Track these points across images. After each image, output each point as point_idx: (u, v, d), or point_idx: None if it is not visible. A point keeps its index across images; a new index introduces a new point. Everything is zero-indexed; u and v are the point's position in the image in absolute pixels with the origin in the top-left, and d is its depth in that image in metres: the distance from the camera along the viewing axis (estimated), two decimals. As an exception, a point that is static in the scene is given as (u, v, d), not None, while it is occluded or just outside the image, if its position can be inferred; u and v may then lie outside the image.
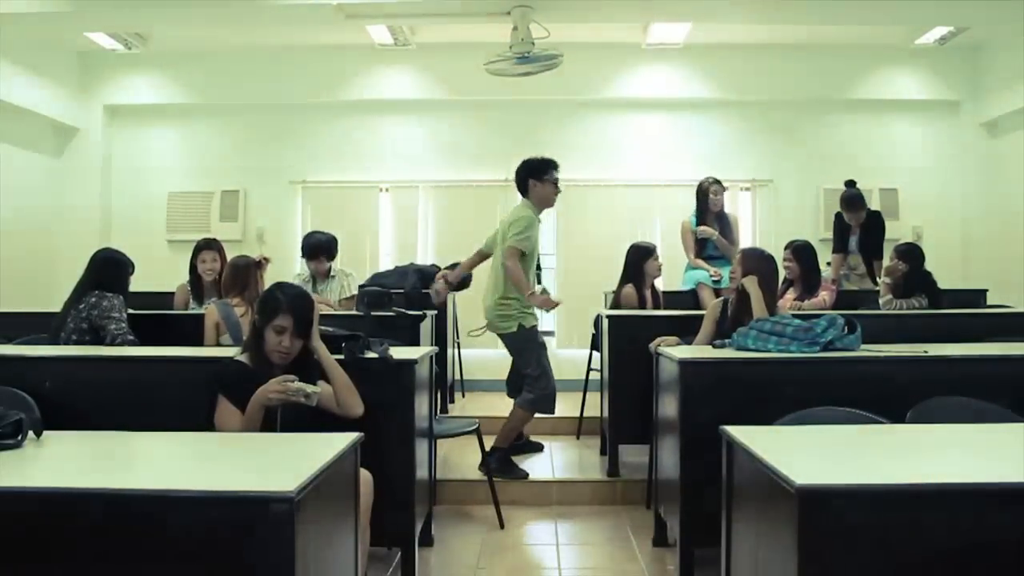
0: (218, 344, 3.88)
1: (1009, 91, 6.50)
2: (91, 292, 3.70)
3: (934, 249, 6.67)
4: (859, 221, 5.66)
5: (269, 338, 2.66)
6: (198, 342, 3.93)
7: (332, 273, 5.08)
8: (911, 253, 4.78)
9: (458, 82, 7.03)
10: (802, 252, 4.76)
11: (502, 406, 6.15)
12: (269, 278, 4.00)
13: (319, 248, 5.01)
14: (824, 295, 4.72)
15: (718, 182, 5.50)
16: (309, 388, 2.53)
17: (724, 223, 5.48)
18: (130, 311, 3.86)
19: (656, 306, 4.93)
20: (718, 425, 2.07)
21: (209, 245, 4.71)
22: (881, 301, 4.73)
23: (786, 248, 4.82)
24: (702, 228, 5.40)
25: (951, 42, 6.69)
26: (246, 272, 4.06)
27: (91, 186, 7.23)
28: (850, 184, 5.73)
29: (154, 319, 4.21)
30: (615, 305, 4.86)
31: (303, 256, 5.13)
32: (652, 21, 6.40)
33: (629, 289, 4.81)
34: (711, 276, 5.27)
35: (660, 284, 5.12)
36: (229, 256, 4.47)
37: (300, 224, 7.29)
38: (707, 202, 5.44)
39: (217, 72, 7.17)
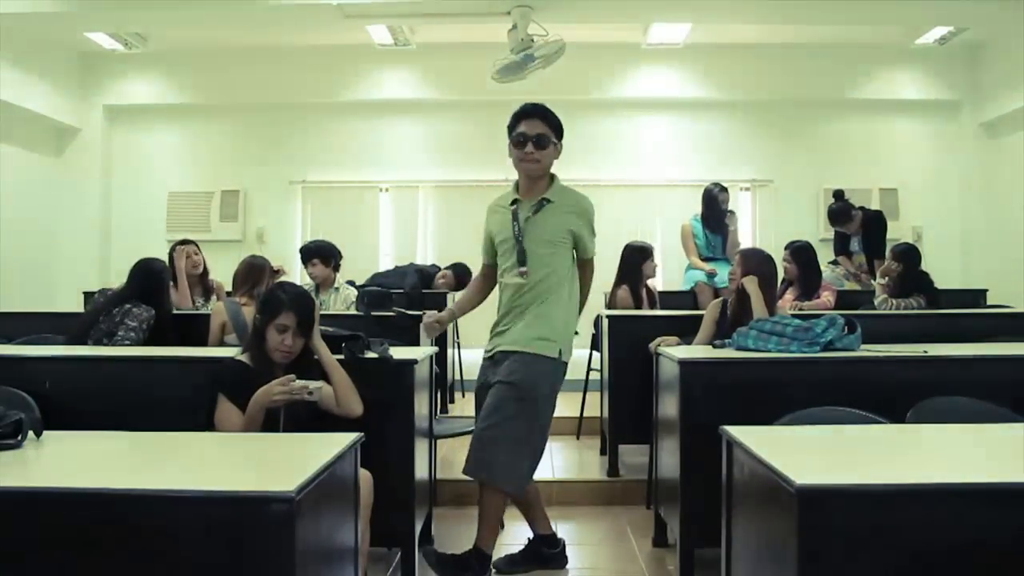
0: (222, 343, 3.89)
1: (1009, 91, 6.50)
2: (129, 301, 3.72)
3: (934, 249, 6.70)
4: (853, 228, 5.70)
5: (271, 337, 2.67)
6: (199, 342, 3.93)
7: (336, 285, 5.01)
8: (906, 254, 4.79)
9: (458, 82, 7.04)
10: (800, 253, 4.77)
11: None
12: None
13: (310, 251, 4.96)
14: (827, 295, 4.73)
15: (724, 189, 5.51)
16: (312, 384, 2.54)
17: (726, 227, 5.52)
18: None
19: (652, 306, 4.93)
20: (718, 425, 2.06)
21: (190, 241, 4.79)
22: (876, 302, 4.74)
23: (785, 249, 4.82)
24: (711, 269, 5.33)
25: (951, 42, 6.69)
26: (260, 271, 4.08)
27: (91, 186, 7.24)
28: (838, 195, 5.76)
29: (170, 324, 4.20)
30: (610, 306, 4.86)
31: (301, 261, 5.11)
32: (652, 21, 6.41)
33: (623, 292, 4.79)
34: (707, 272, 5.29)
35: (659, 284, 5.12)
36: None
37: (300, 224, 7.30)
38: (718, 209, 5.44)
39: (217, 72, 7.17)
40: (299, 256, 5.11)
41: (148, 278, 3.86)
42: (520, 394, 2.97)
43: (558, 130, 3.09)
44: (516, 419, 2.97)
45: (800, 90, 7.11)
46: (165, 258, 4.65)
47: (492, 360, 3.12)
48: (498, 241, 3.17)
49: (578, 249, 3.15)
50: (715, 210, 5.45)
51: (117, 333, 3.61)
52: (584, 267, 3.20)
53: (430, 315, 3.32)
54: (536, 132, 3.04)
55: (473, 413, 3.23)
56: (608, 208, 7.16)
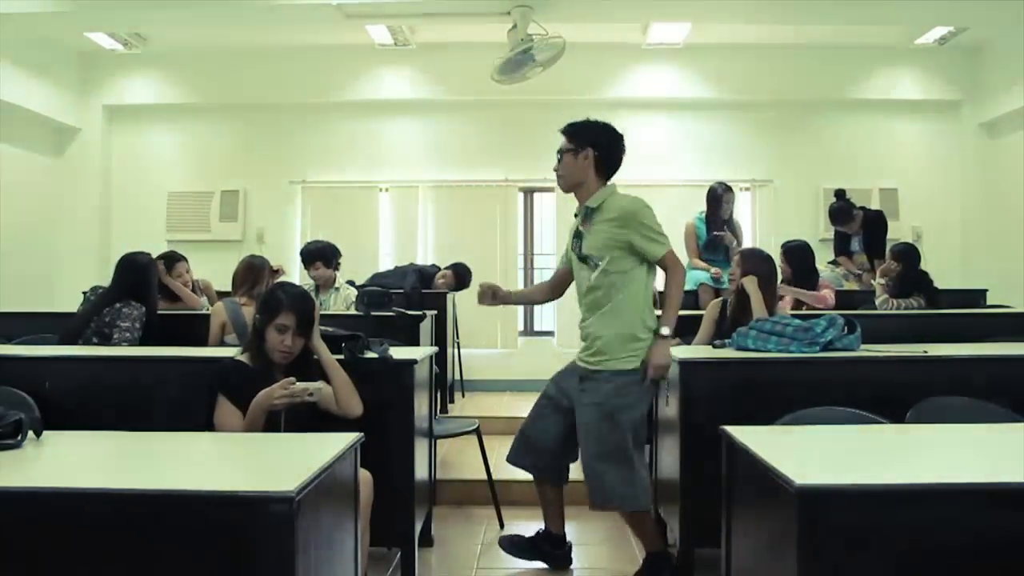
0: (222, 344, 3.88)
1: (1009, 91, 6.50)
2: (119, 300, 3.70)
3: (934, 249, 6.70)
4: (853, 229, 5.69)
5: (271, 337, 2.67)
6: (199, 342, 3.93)
7: (337, 285, 5.03)
8: (905, 253, 4.79)
9: (458, 82, 7.03)
10: (793, 254, 4.74)
11: (502, 406, 6.17)
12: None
13: (312, 254, 4.97)
14: (826, 292, 4.69)
15: (730, 189, 5.47)
16: (312, 386, 2.54)
17: (731, 229, 5.49)
18: None
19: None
20: (718, 425, 2.07)
21: (180, 255, 4.76)
22: (877, 301, 4.74)
23: (781, 248, 4.82)
24: (720, 235, 5.29)
25: (951, 42, 6.69)
26: (260, 271, 4.07)
27: (91, 186, 7.24)
28: (839, 195, 5.75)
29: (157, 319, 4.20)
30: None
31: (302, 263, 5.11)
32: (652, 21, 6.40)
33: None
34: (711, 275, 5.27)
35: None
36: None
37: (300, 224, 7.29)
38: (719, 208, 5.42)
39: (217, 72, 7.17)
40: (299, 259, 5.12)
41: (134, 274, 3.83)
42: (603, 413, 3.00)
43: (581, 138, 3.08)
44: (607, 439, 2.98)
45: (800, 90, 7.10)
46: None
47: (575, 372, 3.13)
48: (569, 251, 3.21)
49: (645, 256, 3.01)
50: (714, 209, 5.44)
51: (113, 336, 3.60)
52: (665, 268, 3.03)
53: (488, 284, 3.30)
54: (559, 149, 3.12)
55: (475, 413, 3.25)
56: (608, 208, 7.16)
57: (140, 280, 3.82)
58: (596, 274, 3.03)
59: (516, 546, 3.36)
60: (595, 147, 3.08)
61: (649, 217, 3.01)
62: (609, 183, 3.12)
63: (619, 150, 3.13)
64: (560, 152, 3.11)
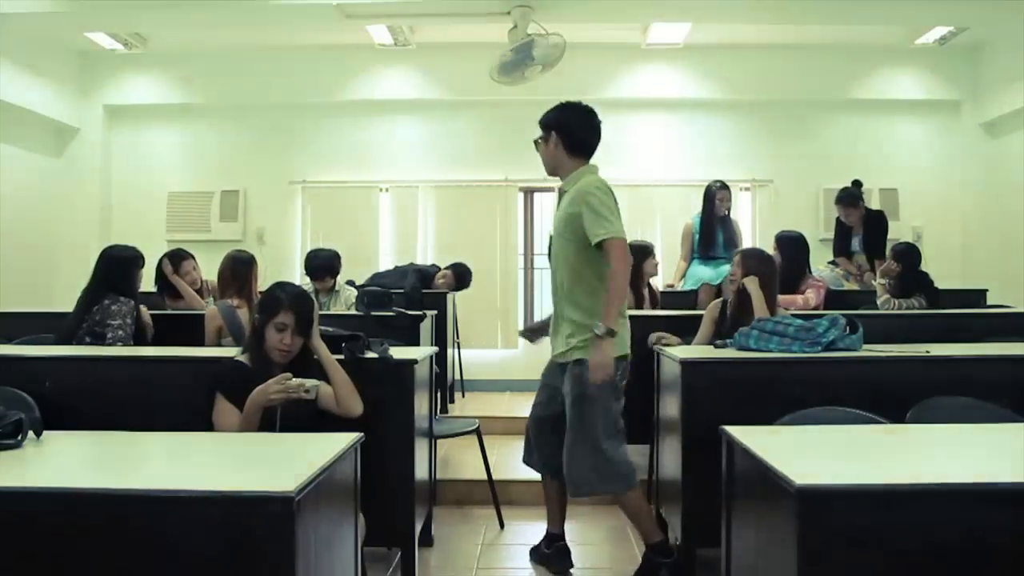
0: (219, 346, 3.86)
1: (1009, 91, 6.49)
2: (104, 296, 3.66)
3: (934, 249, 6.70)
4: (853, 219, 5.67)
5: (270, 336, 2.67)
6: (200, 342, 3.91)
7: (336, 288, 5.04)
8: (906, 253, 4.78)
9: (458, 82, 7.03)
10: (785, 244, 4.73)
11: (502, 406, 6.18)
12: (271, 279, 3.99)
13: (321, 269, 4.98)
14: (810, 294, 4.65)
15: (725, 187, 5.48)
16: (308, 383, 2.54)
17: (728, 227, 5.49)
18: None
19: (653, 305, 4.93)
20: (719, 425, 2.07)
21: (187, 253, 4.62)
22: (879, 302, 4.73)
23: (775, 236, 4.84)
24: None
25: (951, 42, 6.69)
26: (248, 268, 3.98)
27: (91, 186, 7.23)
28: (856, 183, 5.72)
29: (156, 320, 4.20)
30: None
31: (307, 275, 5.12)
32: (652, 21, 6.40)
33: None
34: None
35: (660, 283, 5.11)
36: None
37: (300, 224, 7.29)
38: (714, 206, 5.43)
39: (217, 72, 7.17)
40: (304, 270, 5.14)
41: (113, 269, 3.75)
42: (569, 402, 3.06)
43: (546, 124, 3.19)
44: (576, 427, 3.03)
45: (800, 90, 7.10)
46: (159, 260, 4.56)
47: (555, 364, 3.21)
48: None
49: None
50: (709, 208, 5.44)
51: (106, 335, 3.57)
52: (604, 255, 2.91)
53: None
54: (534, 140, 3.26)
55: (475, 413, 3.26)
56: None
57: (121, 275, 3.74)
58: (556, 258, 3.11)
59: (535, 553, 3.43)
60: (558, 130, 3.14)
61: (600, 197, 2.94)
62: (589, 164, 3.15)
63: (584, 128, 3.14)
64: (535, 142, 3.23)
